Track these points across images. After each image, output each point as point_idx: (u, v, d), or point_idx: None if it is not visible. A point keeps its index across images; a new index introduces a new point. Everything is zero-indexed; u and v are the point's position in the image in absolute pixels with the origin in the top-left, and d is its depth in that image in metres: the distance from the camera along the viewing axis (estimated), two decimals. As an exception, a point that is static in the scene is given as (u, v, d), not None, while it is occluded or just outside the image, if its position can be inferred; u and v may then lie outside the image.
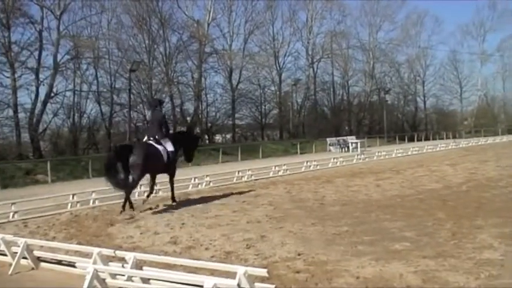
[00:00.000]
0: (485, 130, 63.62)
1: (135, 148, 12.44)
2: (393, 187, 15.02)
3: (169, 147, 12.97)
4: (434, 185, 15.24)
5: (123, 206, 12.19)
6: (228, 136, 51.49)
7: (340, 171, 21.71)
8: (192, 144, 14.04)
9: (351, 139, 42.50)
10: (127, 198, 12.27)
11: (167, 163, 12.87)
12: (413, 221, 9.56)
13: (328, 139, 44.20)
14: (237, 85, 50.69)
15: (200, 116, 48.54)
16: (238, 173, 18.65)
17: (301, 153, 39.02)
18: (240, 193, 14.89)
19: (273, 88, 55.25)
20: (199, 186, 16.63)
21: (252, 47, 52.62)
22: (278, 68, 54.55)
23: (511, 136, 53.10)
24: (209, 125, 50.02)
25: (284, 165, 21.43)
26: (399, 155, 30.66)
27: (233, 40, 51.16)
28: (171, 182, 13.62)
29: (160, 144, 12.87)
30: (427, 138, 57.79)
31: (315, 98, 58.18)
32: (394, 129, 61.58)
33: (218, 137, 51.75)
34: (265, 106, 55.47)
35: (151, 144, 12.95)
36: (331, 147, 42.24)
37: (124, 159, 11.92)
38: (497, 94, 76.52)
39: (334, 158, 25.85)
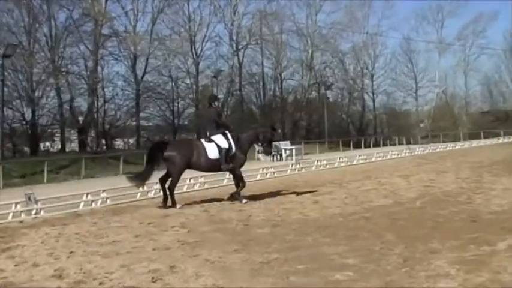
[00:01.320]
0: (444, 134, 66.00)
1: (170, 145, 16.25)
2: (334, 204, 15.25)
3: (223, 143, 15.86)
4: (383, 200, 15.65)
5: (165, 200, 15.72)
6: (131, 141, 50.88)
7: (270, 184, 21.86)
8: (262, 138, 17.19)
9: (285, 145, 42.71)
10: (169, 193, 15.77)
11: (217, 159, 15.86)
12: (358, 244, 9.77)
13: (256, 145, 44.04)
14: (142, 76, 50.24)
15: (96, 115, 47.66)
16: (144, 187, 18.34)
17: (223, 163, 38.58)
18: (145, 213, 14.73)
19: (188, 81, 55.08)
20: (93, 204, 16.27)
21: (162, 29, 52.34)
22: (195, 55, 54.47)
23: (474, 142, 54.84)
24: (107, 126, 49.21)
25: (201, 177, 21.19)
26: (343, 164, 31.30)
27: (138, 20, 50.77)
28: (236, 176, 16.69)
29: (212, 141, 15.87)
30: (376, 144, 59.31)
31: (240, 93, 58.56)
32: (337, 132, 62.53)
33: (119, 142, 50.98)
34: (178, 103, 55.13)
35: (192, 141, 17.21)
36: (260, 155, 41.43)
37: (158, 155, 15.75)
38: (458, 91, 79.43)
39: (263, 168, 25.85)
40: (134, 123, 49.78)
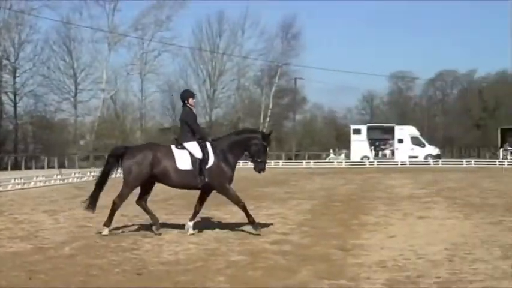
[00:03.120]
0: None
1: (129, 151, 13.03)
2: None
3: (197, 153, 12.84)
4: (19, 245, 11.90)
5: (107, 222, 12.64)
6: None
7: None
8: (254, 147, 13.08)
9: None
10: (112, 213, 12.77)
11: (189, 171, 12.81)
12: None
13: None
14: None
15: None
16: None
17: None
18: None
19: None
20: None
21: None
22: None
23: None
24: None
25: None
26: None
27: None
28: (204, 198, 13.35)
29: (184, 149, 12.92)
30: (17, 166, 50.26)
31: None
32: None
33: None
34: None
35: (156, 146, 13.49)
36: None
37: (115, 166, 13.01)
38: (132, 99, 69.38)
39: None
40: None
